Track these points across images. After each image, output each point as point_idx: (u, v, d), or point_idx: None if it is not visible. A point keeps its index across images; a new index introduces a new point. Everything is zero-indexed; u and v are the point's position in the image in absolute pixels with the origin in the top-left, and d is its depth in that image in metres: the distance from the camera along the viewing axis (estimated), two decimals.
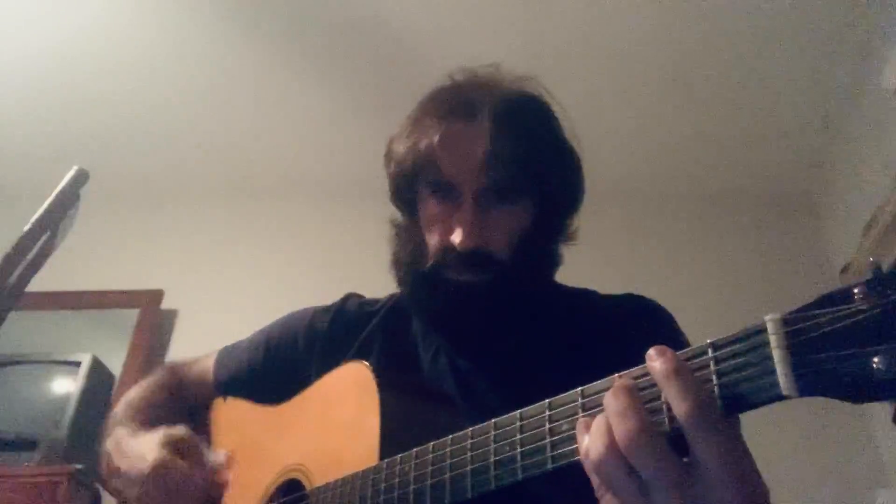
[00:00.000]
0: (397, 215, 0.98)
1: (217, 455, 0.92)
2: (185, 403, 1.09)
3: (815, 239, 2.77)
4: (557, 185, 0.91)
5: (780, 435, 2.28)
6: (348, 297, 1.06)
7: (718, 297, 2.55)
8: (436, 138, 0.87)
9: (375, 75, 2.46)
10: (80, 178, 0.81)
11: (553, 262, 0.95)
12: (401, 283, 0.94)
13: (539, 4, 2.24)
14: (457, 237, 0.84)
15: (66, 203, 0.79)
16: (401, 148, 0.92)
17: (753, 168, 2.84)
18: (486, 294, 0.85)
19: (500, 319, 0.87)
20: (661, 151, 2.79)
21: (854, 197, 2.55)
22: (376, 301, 1.05)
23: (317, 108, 2.62)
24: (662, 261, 2.77)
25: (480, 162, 0.85)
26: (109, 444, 0.96)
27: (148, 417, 0.99)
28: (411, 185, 0.92)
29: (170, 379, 1.10)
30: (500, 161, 0.85)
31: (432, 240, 0.89)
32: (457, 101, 0.90)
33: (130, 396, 1.06)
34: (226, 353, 1.09)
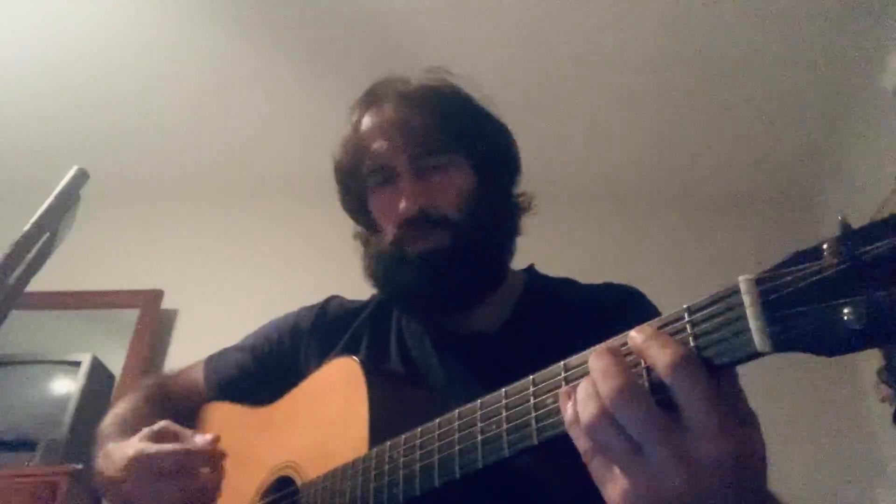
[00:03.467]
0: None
1: (203, 436, 0.87)
2: (171, 414, 1.06)
3: (815, 239, 2.76)
4: (484, 144, 0.94)
5: (781, 435, 2.28)
6: (331, 299, 1.09)
7: None
8: (360, 132, 0.95)
9: (377, 76, 2.46)
10: (80, 178, 0.81)
11: (509, 227, 0.96)
12: (373, 279, 0.95)
13: (538, 7, 2.25)
14: (402, 204, 0.87)
15: (66, 203, 0.78)
16: (338, 156, 1.00)
17: (753, 167, 2.84)
18: (448, 257, 0.86)
19: (468, 282, 0.88)
20: (659, 151, 2.79)
21: (854, 197, 2.55)
22: (359, 301, 1.06)
23: (317, 108, 2.61)
24: (659, 260, 2.77)
25: (399, 131, 0.90)
26: (100, 461, 0.93)
27: (135, 428, 0.96)
28: (355, 186, 0.97)
29: (156, 391, 1.10)
30: (414, 122, 0.90)
31: (388, 226, 0.91)
32: (367, 98, 0.99)
33: (117, 411, 1.05)
34: (215, 360, 1.10)
